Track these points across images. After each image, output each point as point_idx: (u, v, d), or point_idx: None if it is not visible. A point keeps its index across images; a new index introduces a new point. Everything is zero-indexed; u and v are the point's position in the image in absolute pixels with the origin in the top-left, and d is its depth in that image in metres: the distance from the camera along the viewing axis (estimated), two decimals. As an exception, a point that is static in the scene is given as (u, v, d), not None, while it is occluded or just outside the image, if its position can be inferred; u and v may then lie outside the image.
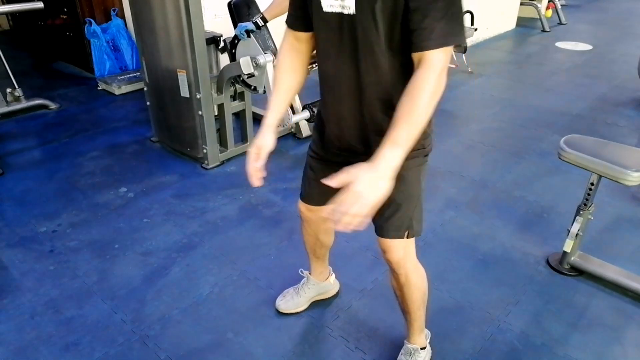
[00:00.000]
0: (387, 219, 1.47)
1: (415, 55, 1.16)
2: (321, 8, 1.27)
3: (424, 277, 1.63)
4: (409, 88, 1.14)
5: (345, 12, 1.23)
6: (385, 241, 1.50)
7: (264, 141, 1.42)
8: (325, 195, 1.58)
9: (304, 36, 1.44)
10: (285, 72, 1.47)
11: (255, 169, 1.42)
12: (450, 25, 1.12)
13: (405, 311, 1.68)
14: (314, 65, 2.75)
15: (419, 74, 1.14)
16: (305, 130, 3.57)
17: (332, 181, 1.10)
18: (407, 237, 1.50)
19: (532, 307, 2.08)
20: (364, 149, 1.40)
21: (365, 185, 1.07)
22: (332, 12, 1.25)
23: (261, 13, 2.90)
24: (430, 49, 1.12)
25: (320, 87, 1.46)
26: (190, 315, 2.03)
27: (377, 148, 1.13)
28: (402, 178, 1.37)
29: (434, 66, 1.13)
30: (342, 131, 1.44)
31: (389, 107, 1.25)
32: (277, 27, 3.13)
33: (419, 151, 1.41)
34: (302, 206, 1.73)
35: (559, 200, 2.82)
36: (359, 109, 1.36)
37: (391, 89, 1.29)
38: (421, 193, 1.50)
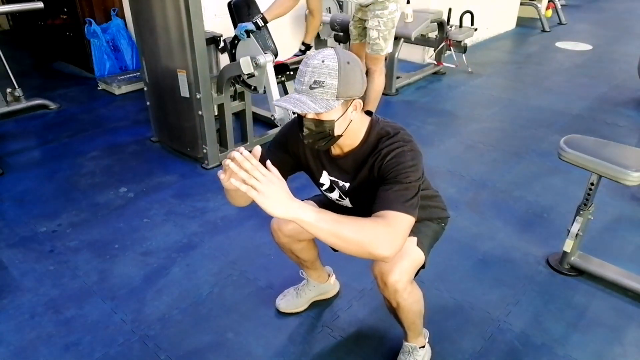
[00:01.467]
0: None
1: (375, 214, 1.28)
2: (326, 195, 1.60)
3: (420, 300, 1.60)
4: (369, 218, 1.25)
5: (344, 205, 1.57)
6: (388, 263, 1.45)
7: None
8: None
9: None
10: None
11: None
12: (399, 196, 1.28)
13: (399, 323, 1.68)
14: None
15: (379, 219, 1.25)
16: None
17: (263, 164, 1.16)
18: (417, 245, 1.52)
19: (532, 307, 2.08)
20: None
21: (276, 193, 1.14)
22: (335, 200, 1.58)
23: (261, 13, 2.90)
24: (379, 210, 1.26)
25: None
26: (190, 315, 2.03)
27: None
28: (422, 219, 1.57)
29: (391, 222, 1.24)
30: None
31: None
32: (277, 27, 3.14)
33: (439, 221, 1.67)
34: (274, 227, 1.75)
35: (559, 200, 2.82)
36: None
37: None
38: (432, 242, 1.63)
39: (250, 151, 1.17)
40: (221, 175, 1.20)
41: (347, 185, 1.50)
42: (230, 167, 1.13)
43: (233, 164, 1.13)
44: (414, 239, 1.52)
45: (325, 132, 1.33)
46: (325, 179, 1.55)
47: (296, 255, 1.85)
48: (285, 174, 1.49)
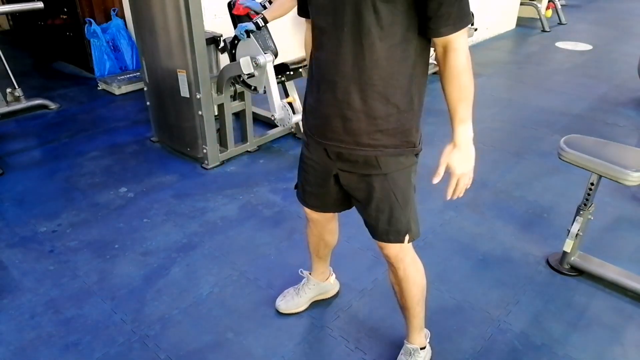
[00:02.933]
0: (386, 223, 1.49)
1: (439, 41, 1.27)
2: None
3: (422, 273, 1.64)
4: (449, 73, 1.29)
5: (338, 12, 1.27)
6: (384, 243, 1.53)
7: None
8: (327, 201, 1.62)
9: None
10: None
11: None
12: (462, 9, 1.23)
13: (404, 307, 1.68)
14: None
15: (451, 58, 1.27)
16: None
17: (436, 178, 1.37)
18: (408, 242, 1.53)
19: (532, 307, 2.08)
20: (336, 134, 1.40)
21: (462, 164, 1.36)
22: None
23: (262, 13, 2.90)
24: (450, 34, 1.23)
25: (310, 76, 1.45)
26: (190, 315, 2.03)
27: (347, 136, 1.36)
28: (394, 181, 1.43)
29: (460, 48, 1.26)
30: (322, 119, 1.42)
31: (381, 96, 1.30)
32: (278, 27, 3.13)
33: (410, 149, 1.42)
34: (308, 212, 1.75)
35: (559, 200, 2.82)
36: (345, 95, 1.32)
37: (386, 77, 1.29)
38: (414, 194, 1.52)
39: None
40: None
41: None
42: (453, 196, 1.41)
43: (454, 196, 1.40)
44: (406, 237, 1.52)
45: None
46: None
47: (322, 238, 1.84)
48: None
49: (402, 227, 1.50)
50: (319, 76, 1.39)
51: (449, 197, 1.41)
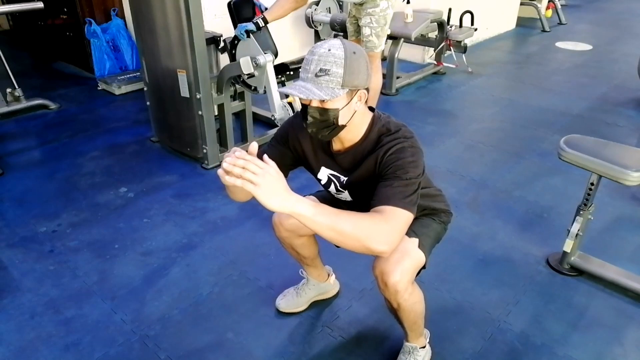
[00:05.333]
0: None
1: (374, 209, 1.29)
2: (328, 190, 1.61)
3: (421, 300, 1.60)
4: (367, 213, 1.26)
5: (343, 199, 1.58)
6: (386, 258, 1.45)
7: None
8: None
9: None
10: None
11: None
12: (398, 192, 1.28)
13: (400, 324, 1.68)
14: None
15: (378, 214, 1.25)
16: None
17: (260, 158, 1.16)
18: (418, 247, 1.51)
19: (532, 307, 2.08)
20: None
21: (272, 185, 1.13)
22: (334, 194, 1.58)
23: (262, 14, 2.90)
24: (377, 205, 1.27)
25: None
26: (190, 315, 2.03)
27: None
28: (424, 216, 1.62)
29: (389, 217, 1.24)
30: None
31: None
32: (278, 27, 3.14)
33: (442, 218, 1.67)
34: (275, 221, 1.76)
35: (559, 200, 2.82)
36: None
37: None
38: (434, 235, 1.62)
39: (246, 150, 1.18)
40: (222, 175, 1.17)
41: (345, 179, 1.51)
42: (224, 165, 1.14)
43: (228, 161, 1.13)
44: (416, 240, 1.51)
45: (329, 121, 1.33)
46: (324, 174, 1.55)
47: (296, 252, 1.85)
48: (285, 168, 1.53)
49: (417, 230, 1.54)
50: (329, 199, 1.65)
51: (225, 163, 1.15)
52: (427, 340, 1.80)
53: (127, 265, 2.32)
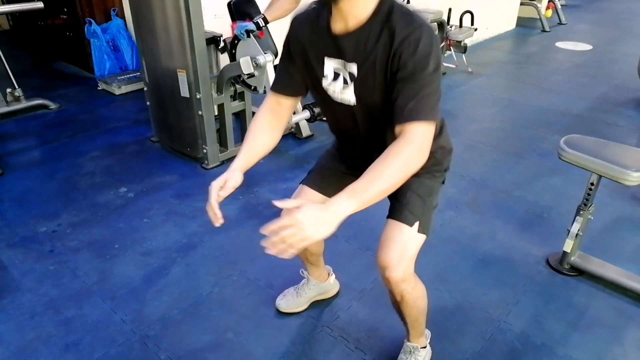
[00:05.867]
0: (405, 204, 1.47)
1: (396, 128, 1.20)
2: (328, 95, 1.40)
3: (423, 295, 1.60)
4: (386, 153, 1.17)
5: (346, 103, 1.37)
6: (388, 251, 1.45)
7: (232, 175, 1.41)
8: (334, 188, 1.62)
9: (287, 102, 1.52)
10: (261, 130, 1.55)
11: (215, 204, 1.35)
12: (421, 104, 1.19)
13: (403, 320, 1.68)
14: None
15: (397, 143, 1.17)
16: (305, 130, 3.57)
17: (280, 203, 1.14)
18: (418, 231, 1.47)
19: (532, 307, 2.08)
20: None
21: (309, 219, 1.07)
22: (338, 102, 1.39)
23: (262, 14, 2.90)
24: (402, 123, 1.18)
25: (330, 127, 1.60)
26: (190, 315, 2.03)
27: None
28: (421, 181, 1.49)
29: (410, 139, 1.17)
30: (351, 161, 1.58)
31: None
32: (278, 27, 3.13)
33: (438, 171, 1.54)
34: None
35: (559, 200, 2.82)
36: (367, 154, 1.37)
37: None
38: (436, 200, 1.55)
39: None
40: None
41: (354, 67, 1.31)
42: (271, 252, 1.11)
43: (269, 248, 1.11)
44: (416, 224, 1.47)
45: None
46: (329, 67, 1.36)
47: (308, 250, 1.84)
48: (302, 85, 1.46)
49: (417, 212, 1.47)
50: (337, 136, 1.54)
51: (265, 231, 1.16)
52: (428, 340, 1.80)
53: (127, 265, 2.32)
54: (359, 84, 1.32)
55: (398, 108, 1.20)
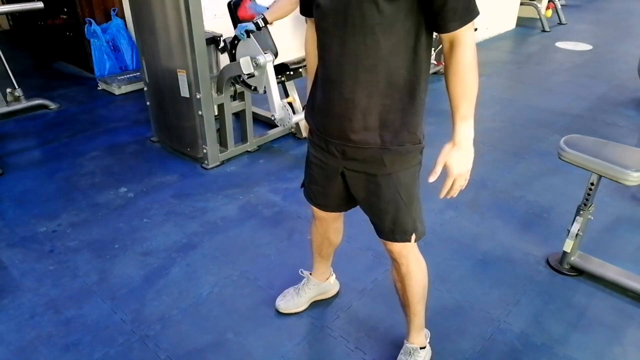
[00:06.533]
0: (392, 223, 1.49)
1: (446, 37, 1.27)
2: (320, 11, 1.32)
3: (425, 271, 1.64)
4: (454, 68, 1.27)
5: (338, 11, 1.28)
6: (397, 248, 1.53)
7: None
8: (333, 200, 1.64)
9: (311, 24, 1.49)
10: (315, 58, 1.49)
11: None
12: (468, 2, 1.22)
13: (405, 305, 1.68)
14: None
15: (457, 53, 1.26)
16: (305, 130, 3.56)
17: (432, 177, 1.33)
18: (415, 241, 1.52)
19: (532, 307, 2.08)
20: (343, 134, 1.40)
21: (460, 164, 1.34)
22: (330, 16, 1.30)
23: (262, 14, 2.90)
24: (457, 29, 1.23)
25: (316, 76, 1.47)
26: (190, 315, 2.03)
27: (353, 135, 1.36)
28: (399, 180, 1.44)
29: (466, 43, 1.25)
30: (328, 118, 1.43)
31: (386, 92, 1.31)
32: (278, 27, 3.13)
33: (415, 146, 1.42)
34: (315, 221, 1.77)
35: (559, 200, 2.82)
36: (351, 94, 1.33)
37: (391, 74, 1.30)
38: (419, 193, 1.52)
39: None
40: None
41: None
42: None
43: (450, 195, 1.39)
44: (412, 237, 1.52)
45: None
46: None
47: (326, 237, 1.84)
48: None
49: (409, 227, 1.50)
50: (324, 76, 1.40)
51: (442, 196, 1.39)
52: (428, 340, 1.80)
53: (127, 265, 2.32)
54: None
55: (449, 13, 1.21)
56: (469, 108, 1.30)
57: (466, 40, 1.25)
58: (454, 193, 1.39)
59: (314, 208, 1.73)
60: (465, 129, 1.32)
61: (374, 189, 1.46)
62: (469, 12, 1.22)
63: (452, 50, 1.27)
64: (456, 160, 1.34)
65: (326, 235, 1.84)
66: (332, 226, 1.81)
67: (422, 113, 1.44)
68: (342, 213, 1.78)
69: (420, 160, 1.49)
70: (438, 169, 1.35)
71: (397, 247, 1.54)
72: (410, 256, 1.57)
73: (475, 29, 5.22)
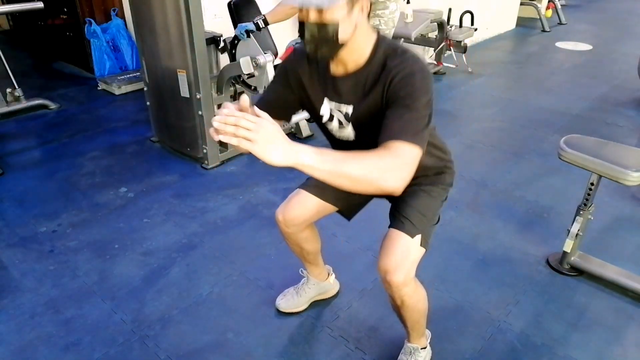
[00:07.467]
0: (407, 216, 1.49)
1: (380, 145, 1.19)
2: (328, 130, 1.49)
3: (424, 299, 1.60)
4: (372, 150, 1.15)
5: (345, 139, 1.46)
6: (389, 254, 1.45)
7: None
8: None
9: None
10: None
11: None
12: (408, 126, 1.19)
13: (403, 323, 1.68)
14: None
15: (383, 151, 1.16)
16: (305, 130, 3.57)
17: (256, 110, 1.05)
18: (419, 244, 1.49)
19: (532, 307, 2.08)
20: None
21: (270, 134, 1.01)
22: (337, 136, 1.48)
23: (263, 15, 2.90)
24: (386, 140, 1.18)
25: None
26: (190, 315, 2.03)
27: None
28: (427, 193, 1.53)
29: (395, 153, 1.16)
30: None
31: None
32: (278, 27, 3.14)
33: (441, 180, 1.60)
34: (279, 219, 1.74)
35: (559, 200, 2.82)
36: None
37: None
38: (436, 221, 1.59)
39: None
40: (214, 135, 1.05)
41: (350, 109, 1.38)
42: (215, 125, 1.02)
43: (217, 120, 1.02)
44: (418, 238, 1.49)
45: (328, 36, 1.22)
46: (326, 108, 1.43)
47: (300, 247, 1.84)
48: (287, 110, 1.50)
49: (419, 225, 1.48)
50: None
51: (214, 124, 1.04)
52: (428, 340, 1.80)
53: (127, 265, 2.32)
54: (357, 122, 1.40)
55: (384, 128, 1.20)
56: (331, 164, 1.07)
57: (397, 153, 1.15)
58: (226, 126, 1.02)
59: (280, 224, 1.74)
60: (306, 154, 1.05)
61: None
62: (405, 134, 1.17)
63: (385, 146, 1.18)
64: (275, 134, 1.03)
65: (300, 246, 1.84)
66: (300, 236, 1.79)
67: (444, 154, 1.63)
68: (312, 222, 1.78)
69: (446, 195, 1.63)
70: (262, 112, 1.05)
71: (394, 278, 1.43)
72: (406, 290, 1.47)
73: (475, 29, 5.20)
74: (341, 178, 1.09)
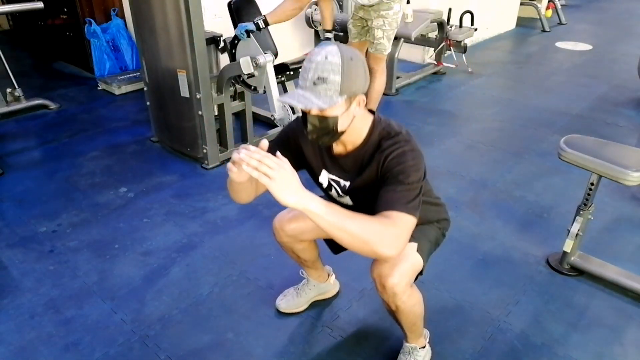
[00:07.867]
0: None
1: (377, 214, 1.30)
2: (326, 193, 1.59)
3: (419, 302, 1.60)
4: (376, 216, 1.26)
5: (344, 203, 1.54)
6: (387, 265, 1.45)
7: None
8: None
9: None
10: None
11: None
12: (401, 196, 1.29)
13: (399, 325, 1.69)
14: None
15: (386, 218, 1.26)
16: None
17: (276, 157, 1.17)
18: (416, 250, 1.51)
19: (532, 307, 2.08)
20: None
21: (288, 179, 1.15)
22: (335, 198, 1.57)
23: (264, 15, 2.90)
24: (381, 210, 1.28)
25: None
26: (190, 315, 2.03)
27: None
28: (422, 223, 1.56)
29: (394, 222, 1.25)
30: None
31: None
32: (278, 27, 3.14)
33: (441, 225, 1.69)
34: (276, 227, 1.77)
35: (559, 200, 2.82)
36: None
37: None
38: (434, 247, 1.64)
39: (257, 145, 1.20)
40: (232, 168, 1.22)
41: (347, 184, 1.51)
42: (241, 155, 1.15)
43: (244, 153, 1.14)
44: (414, 245, 1.52)
45: (329, 128, 1.33)
46: (324, 178, 1.55)
47: (297, 255, 1.86)
48: None
49: (415, 235, 1.48)
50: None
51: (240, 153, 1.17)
52: (427, 340, 1.80)
53: (127, 265, 2.32)
54: (354, 194, 1.51)
55: (381, 199, 1.31)
56: (335, 218, 1.20)
57: (396, 222, 1.25)
58: (251, 160, 1.14)
59: (276, 232, 1.78)
60: (316, 203, 1.18)
61: None
62: (399, 204, 1.27)
63: (382, 215, 1.27)
64: (293, 179, 1.17)
65: (296, 254, 1.86)
66: (296, 247, 1.81)
67: (438, 207, 1.70)
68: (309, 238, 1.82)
69: (442, 234, 1.70)
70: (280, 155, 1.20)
71: (389, 281, 1.45)
72: (400, 296, 1.47)
73: (475, 29, 5.19)
74: (342, 232, 1.20)
